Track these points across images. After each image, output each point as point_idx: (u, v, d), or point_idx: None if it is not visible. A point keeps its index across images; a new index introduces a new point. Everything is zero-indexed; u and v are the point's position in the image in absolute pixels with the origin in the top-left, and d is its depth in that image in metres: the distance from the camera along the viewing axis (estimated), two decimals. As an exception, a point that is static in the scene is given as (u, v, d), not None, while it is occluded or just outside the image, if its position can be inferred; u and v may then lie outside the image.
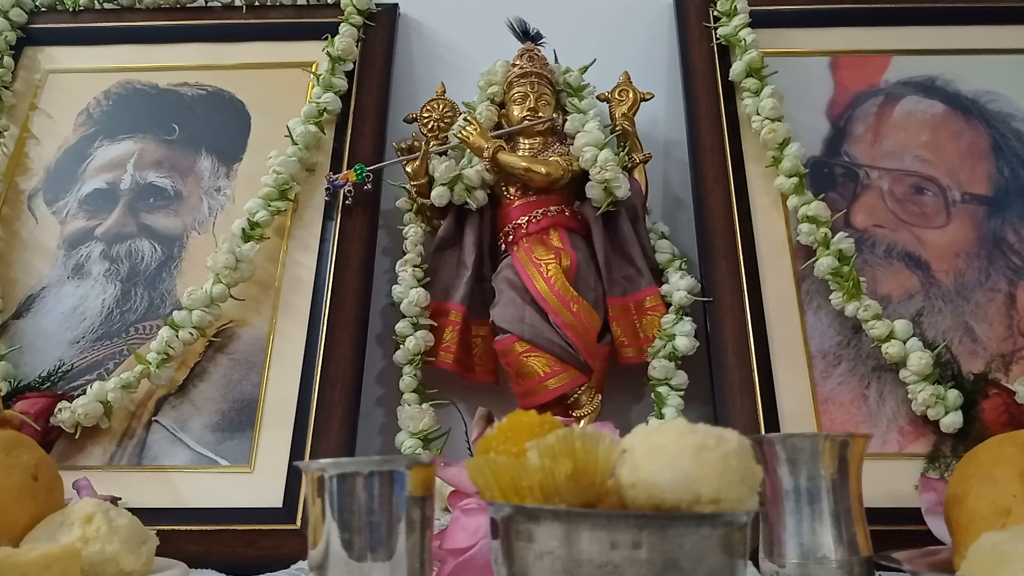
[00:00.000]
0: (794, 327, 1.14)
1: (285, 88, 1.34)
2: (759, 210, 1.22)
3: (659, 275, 1.19)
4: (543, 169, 1.15)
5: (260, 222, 1.17)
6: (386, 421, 1.22)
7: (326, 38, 1.32)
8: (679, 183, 1.33)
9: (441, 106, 1.29)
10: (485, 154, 1.15)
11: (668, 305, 1.15)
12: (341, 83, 1.29)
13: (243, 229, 1.15)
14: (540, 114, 1.22)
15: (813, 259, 1.14)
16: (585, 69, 1.29)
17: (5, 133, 1.30)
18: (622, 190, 1.15)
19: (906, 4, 1.36)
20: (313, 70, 1.32)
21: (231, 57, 1.38)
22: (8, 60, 1.35)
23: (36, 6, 1.42)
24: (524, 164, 1.15)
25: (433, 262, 1.21)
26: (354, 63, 1.33)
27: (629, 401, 1.23)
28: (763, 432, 1.06)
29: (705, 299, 1.14)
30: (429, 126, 1.28)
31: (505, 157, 1.15)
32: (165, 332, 1.08)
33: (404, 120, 1.31)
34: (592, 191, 1.16)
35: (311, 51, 1.36)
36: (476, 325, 1.20)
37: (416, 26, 1.46)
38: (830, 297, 1.13)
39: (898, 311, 1.14)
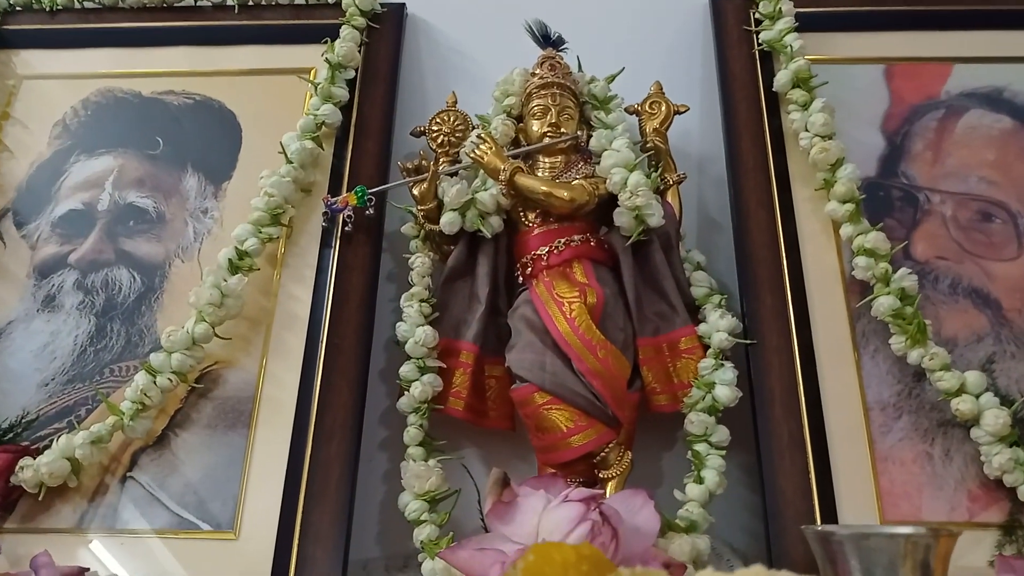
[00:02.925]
0: (849, 374, 1.01)
1: (281, 97, 1.22)
2: (807, 238, 1.09)
3: (694, 311, 1.06)
4: (566, 195, 1.02)
5: (250, 251, 1.04)
6: (390, 467, 1.09)
7: (325, 42, 1.19)
8: (716, 204, 1.20)
9: (452, 119, 1.16)
10: (501, 176, 1.03)
11: (706, 347, 1.02)
12: (341, 93, 1.17)
13: (230, 260, 1.03)
14: (563, 130, 1.09)
15: (871, 297, 1.01)
16: (612, 79, 1.16)
17: (-27, 147, 1.18)
18: (655, 218, 1.02)
19: (969, 6, 1.23)
20: (311, 78, 1.20)
21: (222, 62, 1.26)
22: (-23, 65, 1.23)
23: (10, 5, 1.30)
24: (545, 188, 1.02)
25: (442, 294, 1.08)
26: (356, 70, 1.20)
27: (659, 448, 1.10)
28: (815, 498, 0.93)
29: (748, 341, 1.02)
30: (439, 141, 1.15)
31: (524, 180, 1.03)
32: (141, 379, 0.96)
33: (411, 134, 1.18)
34: (621, 218, 1.03)
35: (309, 56, 1.23)
36: (490, 365, 1.07)
37: (425, 28, 1.33)
38: (890, 341, 1.00)
39: (965, 356, 1.02)
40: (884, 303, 0.99)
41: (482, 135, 1.06)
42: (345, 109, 1.17)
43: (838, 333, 1.03)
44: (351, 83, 1.19)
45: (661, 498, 1.03)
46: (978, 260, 1.07)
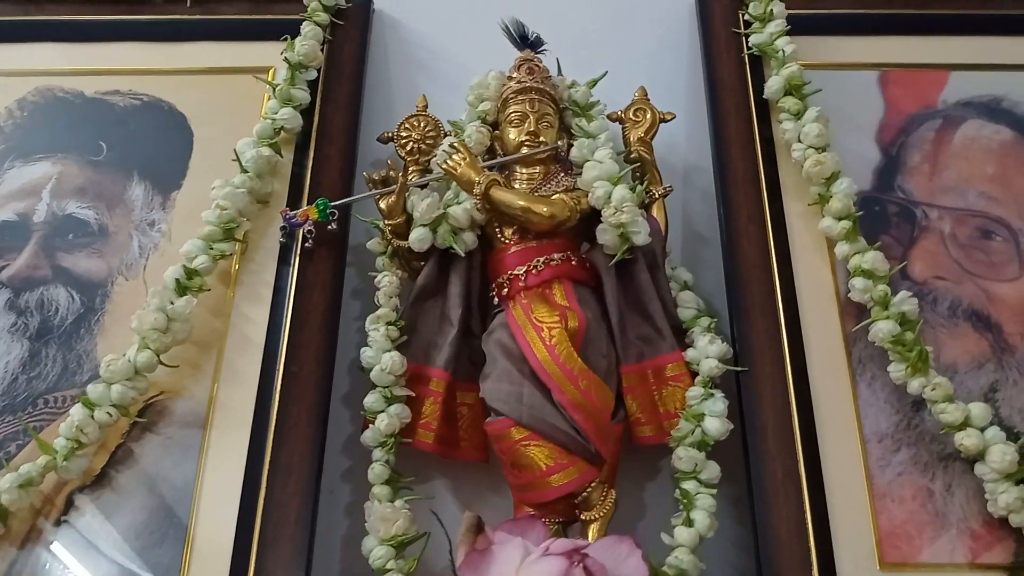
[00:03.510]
0: (845, 403, 0.95)
1: (236, 98, 1.13)
2: (800, 255, 1.02)
3: (681, 334, 1.00)
4: (546, 210, 0.95)
5: (199, 269, 0.96)
6: (354, 500, 1.01)
7: (285, 39, 1.10)
8: (703, 217, 1.14)
9: (423, 124, 1.08)
10: (476, 190, 0.95)
11: (694, 374, 0.96)
12: (302, 95, 1.08)
13: (177, 279, 0.94)
14: (542, 139, 1.01)
15: (868, 321, 0.95)
16: (594, 83, 1.09)
17: None
18: (641, 236, 0.95)
19: (966, 10, 1.17)
20: (268, 79, 1.11)
21: (172, 60, 1.16)
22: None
23: (-61, -6, 1.19)
24: (523, 203, 0.95)
25: (411, 315, 1.00)
26: (318, 70, 1.11)
27: (642, 477, 1.03)
28: (812, 540, 0.87)
29: (739, 368, 0.95)
30: (408, 148, 1.07)
31: (500, 194, 0.95)
32: (77, 413, 0.87)
33: (378, 140, 1.10)
34: (604, 236, 0.96)
35: (267, 54, 1.14)
36: (462, 391, 0.99)
37: (393, 26, 1.25)
38: (888, 368, 0.94)
39: (966, 384, 0.96)
40: (883, 328, 0.93)
41: (455, 144, 0.98)
42: (306, 113, 1.09)
43: (833, 359, 0.97)
44: (313, 84, 1.10)
45: (644, 531, 0.97)
46: (978, 280, 1.02)
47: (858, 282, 0.96)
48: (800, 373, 0.95)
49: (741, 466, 0.93)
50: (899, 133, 1.10)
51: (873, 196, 1.07)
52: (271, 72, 1.13)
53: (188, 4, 1.18)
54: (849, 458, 0.92)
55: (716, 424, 0.90)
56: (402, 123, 1.08)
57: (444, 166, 0.97)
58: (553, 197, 0.97)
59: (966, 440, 0.88)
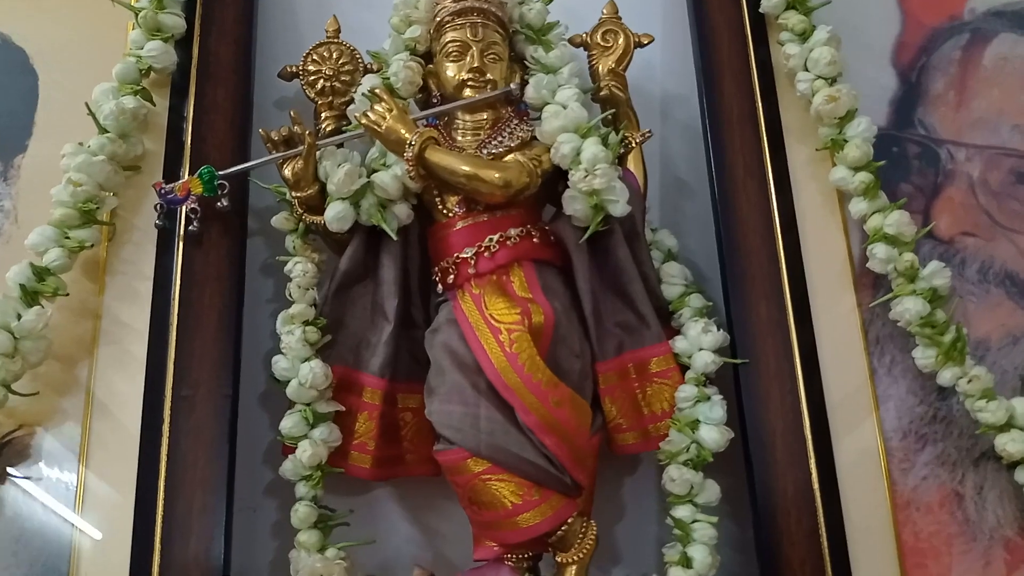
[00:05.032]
0: (862, 396, 0.80)
1: (92, 27, 0.87)
2: (806, 213, 0.85)
3: (667, 315, 0.82)
4: (497, 177, 0.74)
5: (53, 268, 0.74)
6: (280, 518, 0.84)
7: (147, -56, 0.84)
8: (685, 158, 0.95)
9: (335, 55, 0.85)
10: (407, 152, 0.73)
11: (683, 367, 0.79)
12: (175, 22, 0.83)
13: (23, 285, 0.72)
14: (488, 76, 0.80)
15: (890, 296, 0.79)
16: (551, -1, 0.86)
17: None
18: (619, 205, 0.75)
19: None
20: (131, 3, 0.85)
21: (2, -25, 0.89)
22: None
23: None
24: (467, 168, 0.74)
25: (335, 307, 0.81)
26: (195, -12, 0.86)
27: (623, 471, 0.88)
28: (828, 566, 0.73)
29: (739, 361, 0.78)
30: (318, 86, 0.85)
31: (438, 156, 0.74)
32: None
33: (280, 76, 0.87)
34: (573, 205, 0.76)
35: (129, -35, 0.88)
36: (404, 394, 0.81)
37: (291, -79, 0.98)
38: (914, 353, 0.79)
39: (999, 363, 0.82)
40: (911, 308, 0.77)
41: (376, 91, 0.76)
42: (183, 44, 0.84)
43: (847, 342, 0.81)
44: (189, 5, 0.85)
45: (622, 536, 0.83)
46: (1013, 236, 0.86)
47: (880, 249, 0.79)
48: (810, 364, 0.79)
49: (741, 478, 0.78)
50: (919, 53, 0.91)
51: (890, 134, 0.88)
52: (134, -10, 0.88)
53: None
54: (868, 463, 0.78)
55: (714, 435, 0.75)
56: (308, 54, 0.85)
57: (364, 121, 0.75)
58: (507, 158, 0.77)
59: (1010, 446, 0.74)
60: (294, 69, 0.86)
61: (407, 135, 0.74)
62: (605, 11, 0.87)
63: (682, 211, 0.93)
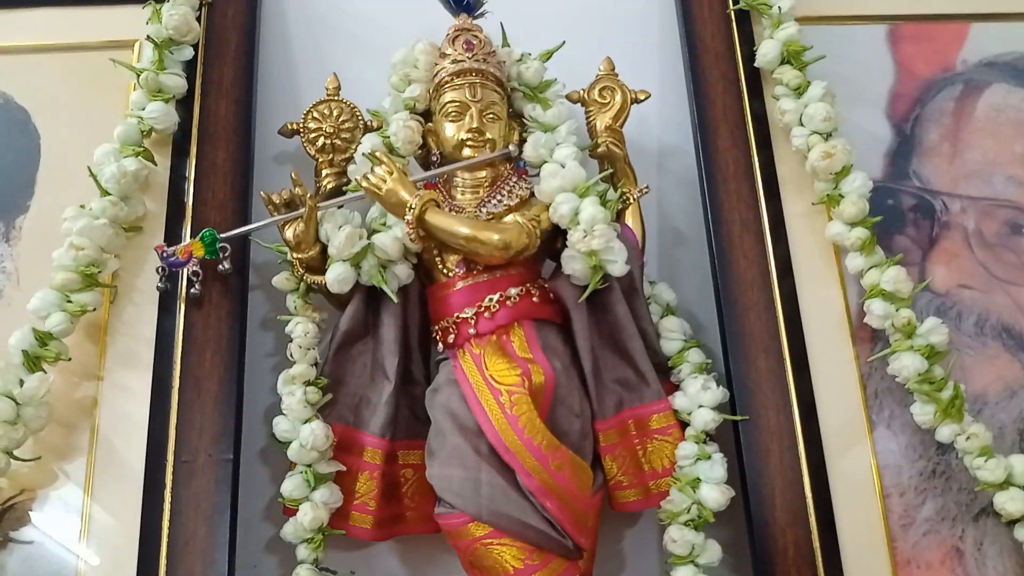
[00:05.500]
0: (861, 452, 0.80)
1: (93, 83, 0.88)
2: (803, 265, 0.85)
3: (666, 370, 0.83)
4: (497, 239, 0.75)
5: (56, 332, 0.74)
6: (283, 557, 0.83)
7: (148, 4, 0.85)
8: (680, 208, 0.95)
9: (336, 112, 0.86)
10: (408, 216, 0.74)
11: (683, 424, 0.79)
12: (175, 83, 0.84)
13: (26, 351, 0.72)
14: (488, 135, 0.81)
15: (888, 351, 0.80)
16: (549, 55, 0.87)
17: None
18: (618, 266, 0.76)
19: (989, -56, 0.97)
20: (132, 61, 0.86)
21: (3, 34, 0.90)
22: None
23: None
24: (467, 231, 0.74)
25: (335, 365, 0.81)
26: (195, 46, 0.87)
27: (623, 526, 0.88)
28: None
29: (739, 418, 0.79)
30: (319, 144, 0.85)
31: (437, 219, 0.75)
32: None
33: (280, 133, 0.87)
34: (573, 264, 0.77)
35: (129, 23, 0.89)
36: (404, 450, 0.82)
37: (290, -23, 0.99)
38: (912, 409, 0.79)
39: (996, 417, 0.82)
40: (908, 365, 0.77)
41: (377, 154, 0.76)
42: (184, 103, 0.85)
43: (846, 397, 0.81)
44: (190, 65, 0.86)
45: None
46: (1009, 288, 0.86)
47: (876, 306, 0.80)
48: (810, 420, 0.79)
49: (743, 532, 0.78)
50: (913, 104, 0.92)
51: (885, 186, 0.89)
52: (135, 48, 0.88)
53: (19, -44, 0.91)
54: (868, 521, 0.78)
55: (715, 495, 0.75)
56: (309, 111, 0.86)
57: (365, 184, 0.75)
58: (506, 219, 0.77)
59: (1009, 505, 0.74)
60: (295, 126, 0.86)
61: (408, 198, 0.74)
62: (602, 67, 0.87)
63: (679, 261, 0.94)
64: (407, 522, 0.81)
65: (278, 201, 0.78)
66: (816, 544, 0.75)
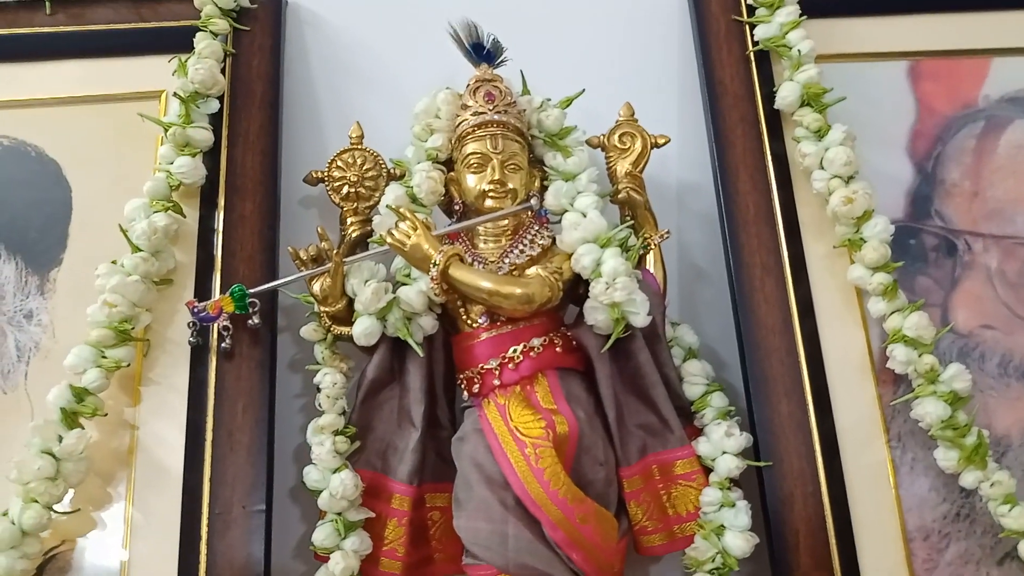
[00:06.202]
0: (885, 496, 0.81)
1: (122, 133, 0.90)
2: (824, 308, 0.86)
3: (688, 414, 0.84)
4: (519, 292, 0.76)
5: (92, 388, 0.76)
6: None
7: (175, 59, 0.87)
8: (700, 247, 0.96)
9: (359, 161, 0.87)
10: (433, 272, 0.75)
11: (707, 470, 0.80)
12: (203, 136, 0.86)
13: (63, 408, 0.74)
14: (510, 186, 0.82)
15: (911, 396, 0.80)
16: (569, 102, 0.88)
17: None
18: (640, 317, 0.77)
19: (1010, -23, 0.97)
20: (159, 113, 0.88)
21: (33, 86, 0.92)
22: None
23: None
24: (490, 286, 0.76)
25: (363, 413, 0.82)
26: (221, 99, 0.88)
27: (648, 561, 0.89)
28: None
29: (763, 464, 0.79)
30: (343, 192, 0.87)
31: (461, 274, 0.76)
32: (-54, 603, 0.69)
33: (305, 181, 0.89)
34: (595, 315, 0.78)
35: (157, 72, 0.91)
36: (432, 493, 0.83)
37: (314, 25, 1.01)
38: (936, 455, 0.79)
39: (1021, 459, 0.83)
40: (931, 411, 0.78)
41: (402, 210, 0.78)
42: (211, 154, 0.87)
43: (869, 440, 0.82)
44: (216, 118, 0.88)
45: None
46: (1033, 329, 0.86)
47: (899, 352, 0.80)
48: (832, 464, 0.80)
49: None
50: (935, 143, 0.92)
51: (907, 226, 0.89)
52: (162, 98, 0.90)
53: (48, 12, 0.93)
54: (892, 567, 0.79)
55: (739, 543, 0.76)
56: (333, 160, 0.88)
57: (390, 241, 0.77)
58: (528, 271, 0.79)
59: (1036, 554, 0.74)
60: (320, 175, 0.88)
61: (432, 253, 0.75)
62: (622, 113, 0.88)
63: (700, 298, 0.94)
64: (435, 563, 0.83)
65: (305, 257, 0.79)
66: (840, 590, 0.76)
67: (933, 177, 0.91)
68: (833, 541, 0.77)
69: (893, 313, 0.81)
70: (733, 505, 0.77)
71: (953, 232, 0.89)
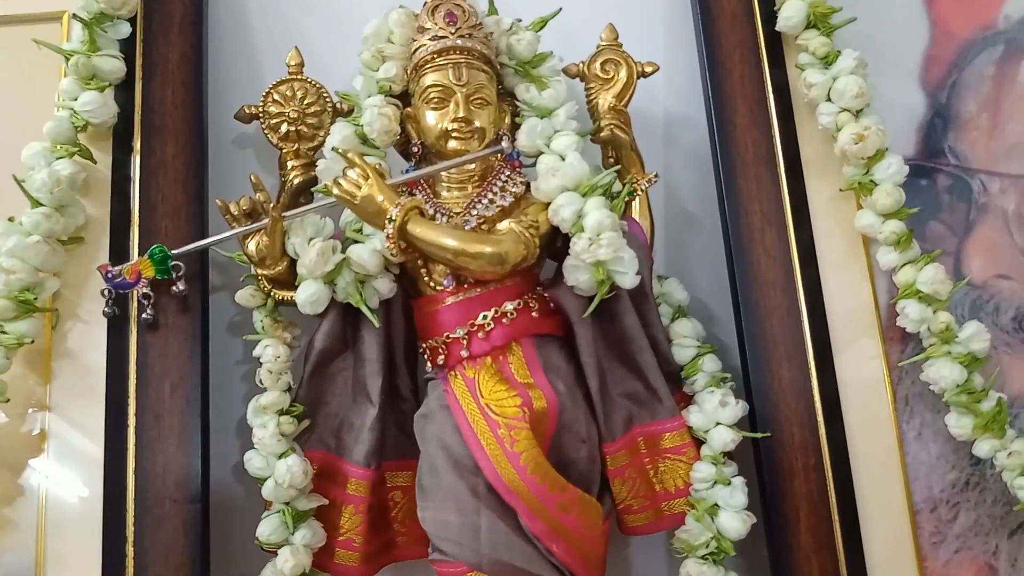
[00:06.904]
0: (890, 465, 0.74)
1: (17, 64, 0.76)
2: (828, 258, 0.77)
3: (678, 379, 0.75)
4: (489, 251, 0.66)
5: (-11, 369, 0.65)
6: None
7: (74, -30, 0.73)
8: (692, 188, 0.86)
9: (300, 94, 0.75)
10: (389, 227, 0.64)
11: (699, 442, 0.72)
12: (112, 66, 0.73)
13: (-46, 394, 0.63)
14: (476, 124, 0.70)
15: (922, 356, 0.72)
16: (543, 24, 0.76)
17: None
18: (628, 277, 0.67)
19: None
20: (60, 40, 0.74)
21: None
22: None
23: None
24: (456, 244, 0.65)
25: (311, 388, 0.73)
26: (133, 21, 0.74)
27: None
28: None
29: (761, 435, 0.72)
30: (281, 131, 0.75)
31: (421, 230, 0.65)
32: None
33: (237, 117, 0.77)
34: (576, 274, 0.68)
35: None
36: (392, 472, 0.74)
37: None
38: (947, 420, 0.72)
39: (1037, 422, 0.76)
40: (946, 375, 0.70)
41: (350, 155, 0.66)
42: (124, 88, 0.74)
43: (875, 405, 0.75)
44: (128, 44, 0.74)
45: None
46: (1052, 279, 0.79)
47: (911, 308, 0.72)
48: (836, 434, 0.72)
49: (763, 560, 0.72)
50: (950, 69, 0.82)
51: (918, 164, 0.80)
52: (63, 21, 0.76)
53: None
54: (898, 541, 0.72)
55: (735, 524, 0.68)
56: (269, 93, 0.76)
57: (337, 192, 0.65)
58: (500, 226, 0.68)
59: (1056, 530, 0.68)
60: (253, 110, 0.76)
61: (387, 206, 0.64)
62: (604, 36, 0.77)
63: (690, 247, 0.85)
64: (398, 548, 0.75)
65: (236, 212, 0.67)
66: (843, 572, 0.69)
67: (947, 109, 0.82)
68: (837, 520, 0.70)
69: (905, 265, 0.73)
70: (728, 482, 0.70)
71: (968, 171, 0.81)
